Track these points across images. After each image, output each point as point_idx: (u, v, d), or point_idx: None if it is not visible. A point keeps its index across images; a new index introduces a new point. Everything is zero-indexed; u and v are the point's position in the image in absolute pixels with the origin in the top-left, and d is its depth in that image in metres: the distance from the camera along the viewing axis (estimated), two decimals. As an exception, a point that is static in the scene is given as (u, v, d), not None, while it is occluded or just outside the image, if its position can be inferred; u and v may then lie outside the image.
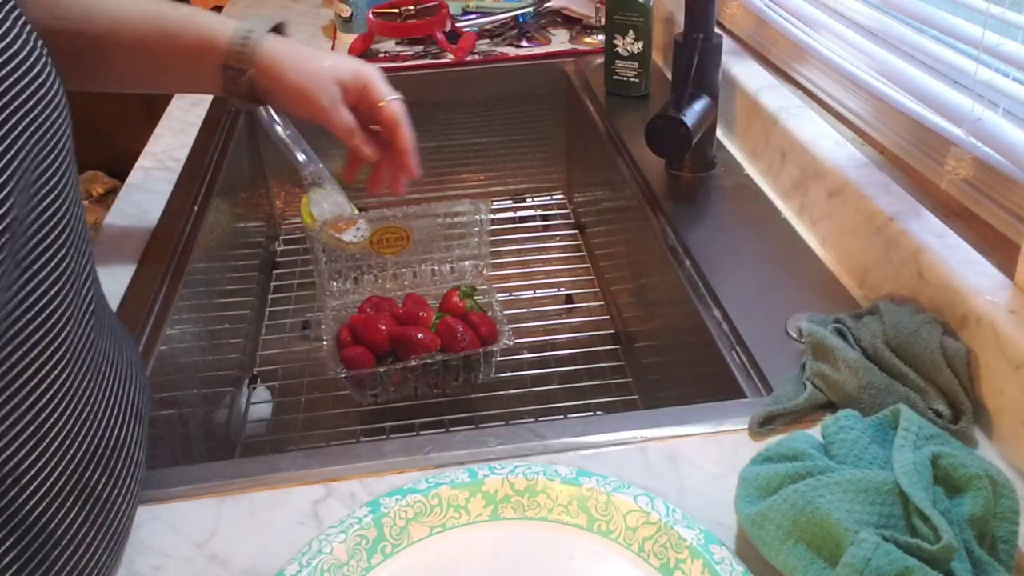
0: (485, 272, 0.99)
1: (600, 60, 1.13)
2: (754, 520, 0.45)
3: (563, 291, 1.11)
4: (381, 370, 0.86)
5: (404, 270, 0.98)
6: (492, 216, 1.21)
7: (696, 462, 0.54)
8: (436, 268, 0.99)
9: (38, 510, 0.39)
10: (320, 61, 0.68)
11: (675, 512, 0.48)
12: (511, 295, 1.08)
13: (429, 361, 0.85)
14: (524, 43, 1.24)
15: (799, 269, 0.72)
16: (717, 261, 0.74)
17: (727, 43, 0.92)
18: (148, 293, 0.76)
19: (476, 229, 0.97)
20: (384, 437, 0.89)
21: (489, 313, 0.92)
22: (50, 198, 0.40)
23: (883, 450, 0.47)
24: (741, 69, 0.91)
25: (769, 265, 0.73)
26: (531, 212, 1.27)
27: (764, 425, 0.55)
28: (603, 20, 1.13)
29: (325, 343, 0.88)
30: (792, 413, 0.55)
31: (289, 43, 0.68)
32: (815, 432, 0.51)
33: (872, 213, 0.65)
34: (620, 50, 1.04)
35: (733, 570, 0.45)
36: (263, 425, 0.93)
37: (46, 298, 0.39)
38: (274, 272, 1.15)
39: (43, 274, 0.39)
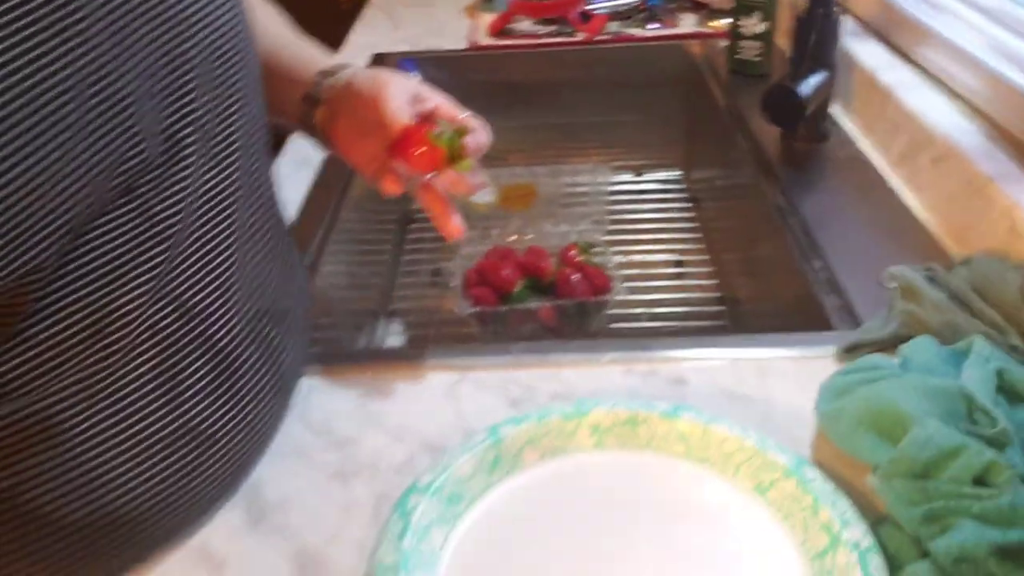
0: (603, 234, 1.07)
1: (726, 42, 1.19)
2: (831, 415, 0.52)
3: (676, 257, 1.17)
4: (504, 308, 0.95)
5: (528, 225, 1.08)
6: (613, 187, 1.30)
7: (784, 379, 0.60)
8: (557, 225, 1.08)
9: (228, 345, 0.51)
10: (392, 82, 0.61)
11: (768, 440, 0.52)
12: (626, 258, 1.16)
13: (547, 304, 0.94)
14: (653, 25, 1.31)
15: (902, 232, 0.77)
16: (824, 222, 0.80)
17: (851, 24, 0.96)
18: (311, 234, 0.88)
19: (597, 192, 1.06)
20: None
21: (603, 269, 1.00)
22: (230, 104, 0.50)
23: (954, 370, 0.53)
24: (861, 48, 0.96)
25: (872, 227, 0.78)
26: (649, 186, 1.34)
27: (850, 352, 0.61)
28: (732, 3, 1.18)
29: (453, 283, 0.98)
30: (877, 343, 0.61)
31: (374, 72, 0.63)
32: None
33: (973, 175, 0.69)
34: (744, 31, 1.09)
35: (824, 485, 0.49)
36: (397, 352, 1.04)
37: (230, 187, 0.50)
38: (410, 226, 1.26)
39: (226, 168, 0.50)
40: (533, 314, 0.96)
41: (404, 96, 0.60)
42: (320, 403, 0.61)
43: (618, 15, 1.36)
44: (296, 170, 0.96)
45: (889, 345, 0.61)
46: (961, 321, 0.59)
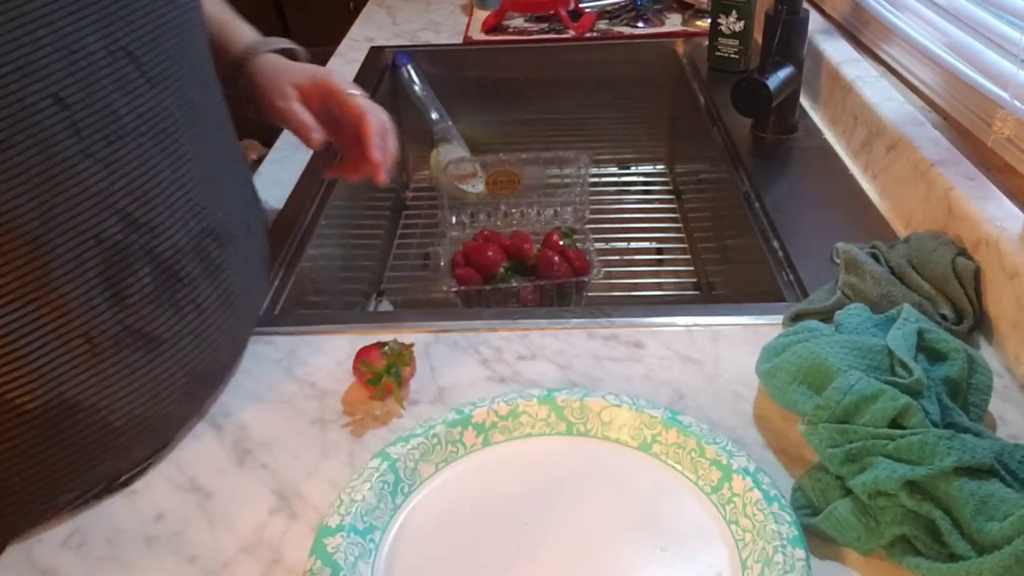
0: (585, 217, 1.12)
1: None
2: (769, 372, 0.57)
3: (657, 246, 1.22)
4: (487, 288, 1.00)
5: (514, 210, 1.13)
6: (598, 179, 1.35)
7: (733, 343, 0.65)
8: (541, 211, 1.13)
9: (171, 258, 0.55)
10: (283, 72, 0.75)
11: (639, 400, 0.56)
12: (608, 245, 1.21)
13: (529, 285, 0.99)
14: (640, 24, 1.36)
15: (856, 215, 0.81)
16: (786, 207, 0.85)
17: (823, 23, 1.01)
18: (300, 216, 0.92)
19: (578, 179, 1.10)
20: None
21: (584, 253, 1.05)
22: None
23: (882, 333, 0.58)
24: (829, 45, 1.01)
25: (830, 211, 0.83)
26: (634, 179, 1.39)
27: (795, 320, 0.66)
28: (713, 4, 1.23)
29: (442, 264, 1.03)
30: (820, 312, 0.66)
31: (275, 60, 0.77)
32: (835, 324, 0.61)
33: (918, 161, 0.74)
34: (723, 28, 1.14)
35: (701, 427, 0.54)
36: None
37: (169, 111, 0.55)
38: (403, 214, 1.32)
39: (162, 93, 0.55)
40: (515, 294, 1.01)
41: (288, 93, 0.73)
42: (305, 359, 0.66)
43: (607, 13, 1.41)
44: (292, 153, 1.01)
45: (831, 314, 0.66)
46: (897, 292, 0.64)
